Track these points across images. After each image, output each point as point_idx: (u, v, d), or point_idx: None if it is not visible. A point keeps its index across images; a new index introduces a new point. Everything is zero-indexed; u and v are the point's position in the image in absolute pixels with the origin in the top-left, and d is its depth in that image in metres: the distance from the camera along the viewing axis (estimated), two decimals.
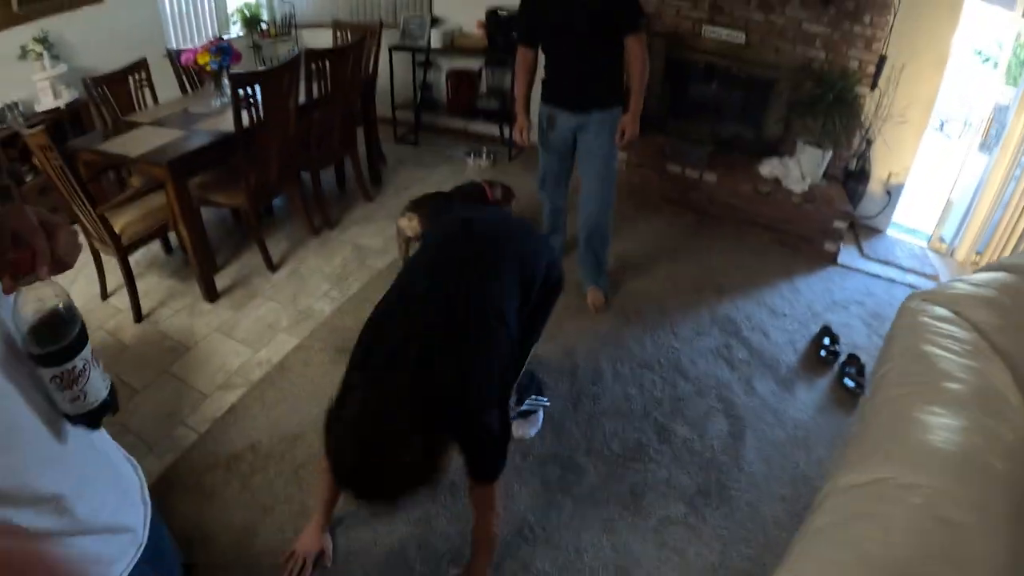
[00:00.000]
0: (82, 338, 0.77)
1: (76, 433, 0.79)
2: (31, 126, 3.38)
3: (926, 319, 1.24)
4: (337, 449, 1.18)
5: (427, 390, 1.21)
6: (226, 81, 3.26)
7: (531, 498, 2.01)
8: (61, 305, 0.73)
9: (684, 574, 1.80)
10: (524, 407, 2.19)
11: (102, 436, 0.90)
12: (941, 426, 1.05)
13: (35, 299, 0.72)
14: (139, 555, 0.90)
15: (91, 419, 0.80)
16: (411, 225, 2.83)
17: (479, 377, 1.35)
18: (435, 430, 1.19)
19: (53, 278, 0.72)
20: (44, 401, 0.75)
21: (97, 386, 0.80)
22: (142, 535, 0.92)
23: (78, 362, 0.76)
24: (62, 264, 0.74)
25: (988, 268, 1.54)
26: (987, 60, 4.97)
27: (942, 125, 5.66)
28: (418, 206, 2.89)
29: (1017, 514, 0.94)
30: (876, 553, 0.89)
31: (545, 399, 2.28)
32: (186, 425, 2.30)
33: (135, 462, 0.99)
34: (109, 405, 0.82)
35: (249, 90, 2.73)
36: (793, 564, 0.94)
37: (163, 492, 2.05)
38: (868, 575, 0.87)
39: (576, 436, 2.22)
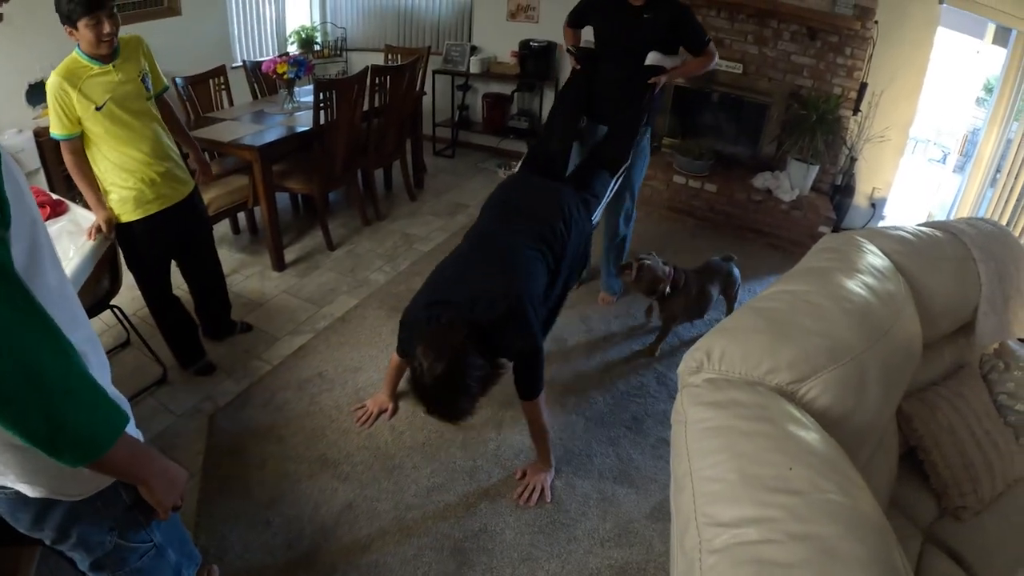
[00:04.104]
0: None
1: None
2: None
3: (837, 244, 1.68)
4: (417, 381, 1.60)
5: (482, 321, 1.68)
6: (298, 88, 3.83)
7: (552, 417, 2.42)
8: None
9: None
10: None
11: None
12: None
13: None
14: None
15: None
16: None
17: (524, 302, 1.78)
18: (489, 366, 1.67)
19: None
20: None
21: None
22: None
23: None
24: None
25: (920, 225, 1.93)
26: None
27: (944, 157, 5.70)
28: None
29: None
30: None
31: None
32: (261, 359, 2.74)
33: None
34: None
35: (325, 95, 3.26)
36: None
37: (240, 406, 2.48)
38: None
39: (589, 376, 2.67)
